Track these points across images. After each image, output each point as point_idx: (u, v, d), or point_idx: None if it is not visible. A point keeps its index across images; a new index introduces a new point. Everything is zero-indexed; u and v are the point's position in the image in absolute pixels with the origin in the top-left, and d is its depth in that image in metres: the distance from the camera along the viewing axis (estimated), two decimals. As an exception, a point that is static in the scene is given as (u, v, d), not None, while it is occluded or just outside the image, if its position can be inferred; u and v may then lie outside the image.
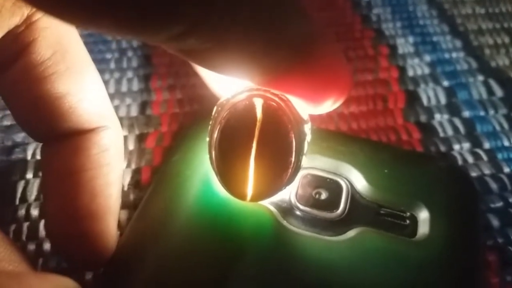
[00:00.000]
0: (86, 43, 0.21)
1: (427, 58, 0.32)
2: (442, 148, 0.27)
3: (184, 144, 0.24)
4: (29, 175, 0.26)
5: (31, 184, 0.25)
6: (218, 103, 0.20)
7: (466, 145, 0.27)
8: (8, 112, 0.28)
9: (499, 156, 0.27)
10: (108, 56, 0.32)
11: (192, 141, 0.24)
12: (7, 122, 0.28)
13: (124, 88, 0.30)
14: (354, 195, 0.22)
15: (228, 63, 0.16)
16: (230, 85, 0.20)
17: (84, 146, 0.20)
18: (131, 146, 0.27)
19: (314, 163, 0.23)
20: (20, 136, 0.27)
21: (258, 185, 0.19)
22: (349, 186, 0.22)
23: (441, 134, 0.28)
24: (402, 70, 0.32)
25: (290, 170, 0.19)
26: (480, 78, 0.31)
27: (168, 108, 0.29)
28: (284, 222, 0.21)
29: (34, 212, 0.24)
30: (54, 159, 0.20)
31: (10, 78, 0.20)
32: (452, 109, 0.29)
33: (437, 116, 0.29)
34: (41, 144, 0.21)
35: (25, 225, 0.24)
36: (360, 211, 0.22)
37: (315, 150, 0.23)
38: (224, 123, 0.19)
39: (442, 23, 0.35)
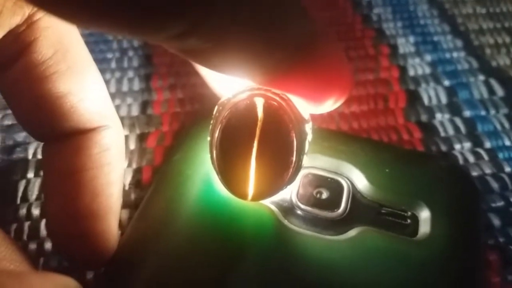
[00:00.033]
0: (87, 43, 0.21)
1: (428, 57, 0.32)
2: (443, 148, 0.27)
3: (185, 143, 0.24)
4: (30, 175, 0.26)
5: (32, 184, 0.25)
6: (219, 103, 0.20)
7: (467, 145, 0.27)
8: (9, 111, 0.28)
9: (500, 155, 0.27)
10: (109, 55, 0.32)
11: (193, 140, 0.24)
12: (8, 121, 0.28)
13: (125, 87, 0.30)
14: (355, 194, 0.22)
15: (229, 63, 0.16)
16: (231, 84, 0.20)
17: (85, 146, 0.20)
18: (132, 146, 0.27)
19: (315, 162, 0.23)
20: (21, 136, 0.27)
21: (259, 184, 0.19)
22: (350, 185, 0.22)
23: (442, 134, 0.28)
24: (403, 69, 0.32)
25: (291, 170, 0.19)
26: (481, 77, 0.31)
27: (169, 107, 0.29)
28: (285, 222, 0.21)
29: (35, 211, 0.24)
30: (55, 158, 0.20)
31: (11, 77, 0.20)
32: (453, 108, 0.29)
33: (438, 116, 0.29)
34: (42, 143, 0.21)
35: (26, 224, 0.24)
36: (361, 210, 0.22)
37: (316, 150, 0.23)
38: (225, 123, 0.19)
39: (443, 23, 0.35)
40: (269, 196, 0.20)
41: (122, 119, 0.22)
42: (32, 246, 0.23)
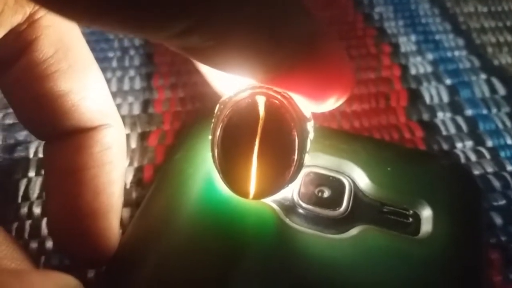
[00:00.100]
0: (88, 42, 0.21)
1: (430, 56, 0.32)
2: (445, 146, 0.27)
3: (187, 142, 0.24)
4: (31, 173, 0.26)
5: (33, 182, 0.25)
6: (221, 101, 0.20)
7: (469, 143, 0.27)
8: (10, 110, 0.28)
9: (502, 154, 0.27)
10: (110, 54, 0.32)
11: (195, 139, 0.24)
12: (9, 120, 0.28)
13: (126, 86, 0.30)
14: (356, 193, 0.22)
15: (231, 61, 0.16)
16: (232, 83, 0.20)
17: (86, 144, 0.20)
18: (133, 144, 0.27)
19: (316, 161, 0.23)
20: (22, 135, 0.27)
21: (260, 183, 0.19)
22: (351, 184, 0.22)
23: (444, 132, 0.28)
24: (405, 68, 0.32)
25: (292, 168, 0.19)
26: (483, 76, 0.31)
27: (170, 106, 0.29)
28: (287, 220, 0.21)
29: (37, 210, 0.24)
30: (57, 157, 0.20)
31: (12, 76, 0.20)
32: (455, 107, 0.29)
33: (440, 114, 0.29)
34: (43, 142, 0.21)
35: (28, 223, 0.24)
36: (363, 209, 0.22)
37: (317, 148, 0.23)
38: (227, 121, 0.19)
39: (445, 22, 0.35)
40: (270, 194, 0.20)
41: (123, 118, 0.22)
42: (33, 244, 0.23)
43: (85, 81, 0.20)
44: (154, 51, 0.33)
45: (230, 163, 0.19)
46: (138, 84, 0.30)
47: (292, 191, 0.22)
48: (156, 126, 0.28)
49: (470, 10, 0.36)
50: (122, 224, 0.23)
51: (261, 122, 0.19)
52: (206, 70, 0.22)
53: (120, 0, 0.12)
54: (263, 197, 0.20)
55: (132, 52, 0.33)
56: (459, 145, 0.27)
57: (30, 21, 0.19)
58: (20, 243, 0.21)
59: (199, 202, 0.21)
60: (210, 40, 0.14)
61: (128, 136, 0.27)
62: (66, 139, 0.20)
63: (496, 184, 0.25)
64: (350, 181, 0.23)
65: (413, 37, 0.34)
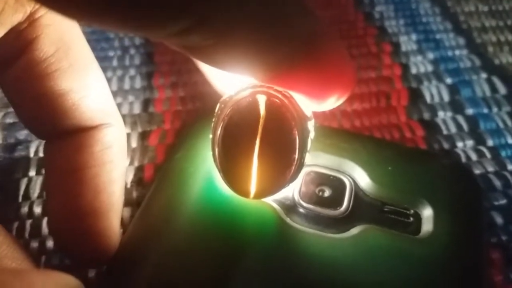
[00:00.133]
0: (88, 41, 0.21)
1: (430, 55, 0.32)
2: (446, 146, 0.27)
3: (187, 141, 0.24)
4: (32, 173, 0.26)
5: (34, 182, 0.25)
6: (221, 100, 0.20)
7: (470, 143, 0.27)
8: (10, 109, 0.28)
9: (503, 153, 0.27)
10: (111, 54, 0.32)
11: (195, 138, 0.24)
12: (10, 119, 0.28)
13: (126, 85, 0.30)
14: (357, 192, 0.22)
15: (231, 59, 0.16)
16: (233, 82, 0.20)
17: (87, 143, 0.20)
18: (134, 144, 0.27)
19: (317, 160, 0.23)
20: (22, 134, 0.27)
21: (261, 182, 0.19)
22: (352, 183, 0.22)
23: (445, 132, 0.28)
24: (405, 67, 0.32)
25: (293, 167, 0.19)
26: (484, 75, 0.31)
27: (171, 105, 0.29)
28: (287, 220, 0.21)
29: (37, 209, 0.24)
30: (57, 156, 0.20)
31: (13, 75, 0.19)
32: (456, 106, 0.29)
33: (441, 114, 0.29)
34: (44, 141, 0.21)
35: (28, 222, 0.24)
36: (363, 208, 0.22)
37: (318, 148, 0.23)
38: (227, 120, 0.19)
39: (445, 21, 0.35)
40: (271, 194, 0.20)
41: (123, 117, 0.22)
42: (34, 244, 0.23)
43: (86, 80, 0.20)
44: (155, 50, 0.33)
45: (230, 162, 0.19)
46: (138, 83, 0.30)
47: (292, 191, 0.22)
48: (156, 125, 0.28)
49: (471, 9, 0.36)
50: (123, 223, 0.23)
51: (261, 121, 0.19)
52: (206, 69, 0.22)
53: None
54: (263, 197, 0.20)
55: (132, 51, 0.33)
56: (459, 144, 0.27)
57: (31, 20, 0.19)
58: (21, 242, 0.21)
59: (200, 201, 0.21)
60: (211, 39, 0.14)
61: (128, 135, 0.27)
62: (67, 138, 0.20)
63: (497, 183, 0.25)
64: (350, 180, 0.23)
65: (413, 36, 0.34)
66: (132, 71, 0.31)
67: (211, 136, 0.20)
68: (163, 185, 0.22)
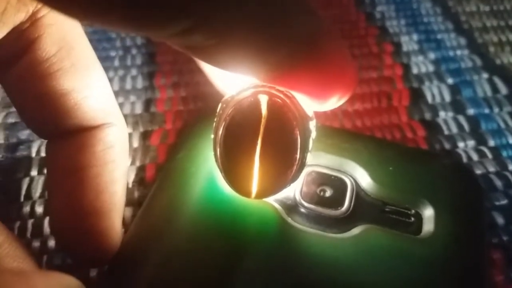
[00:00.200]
0: (90, 41, 0.21)
1: (432, 55, 0.32)
2: (447, 146, 0.27)
3: (189, 141, 0.24)
4: (34, 172, 0.26)
5: (36, 181, 0.25)
6: (223, 100, 0.20)
7: (471, 143, 0.27)
8: (12, 109, 0.28)
9: (504, 153, 0.27)
10: (112, 53, 0.32)
11: (197, 138, 0.24)
12: (12, 119, 0.28)
13: (128, 85, 0.30)
14: (358, 192, 0.22)
15: (233, 59, 0.16)
16: (234, 82, 0.20)
17: (89, 143, 0.20)
18: (135, 144, 0.27)
19: (318, 160, 0.23)
20: (24, 134, 0.27)
21: (262, 182, 0.19)
22: (353, 183, 0.22)
23: (446, 132, 0.28)
24: (407, 67, 0.32)
25: (295, 167, 0.19)
26: (485, 75, 0.31)
27: (172, 105, 0.29)
28: (289, 219, 0.21)
29: (39, 209, 0.24)
30: (59, 156, 0.20)
31: (15, 74, 0.20)
32: (457, 106, 0.29)
33: (442, 114, 0.29)
34: (46, 141, 0.21)
35: (30, 222, 0.24)
36: (364, 208, 0.22)
37: (319, 148, 0.23)
38: (229, 120, 0.19)
39: (447, 21, 0.35)
40: (272, 194, 0.20)
41: (125, 117, 0.22)
42: (36, 244, 0.23)
43: (88, 80, 0.20)
44: (156, 50, 0.33)
45: (232, 162, 0.19)
46: (140, 83, 0.30)
47: (294, 190, 0.22)
48: (158, 125, 0.28)
49: (472, 9, 0.36)
50: (124, 223, 0.23)
51: (263, 121, 0.19)
52: (208, 69, 0.22)
53: None
54: (265, 196, 0.20)
55: (134, 51, 0.33)
56: (461, 144, 0.27)
57: (33, 20, 0.19)
58: (23, 241, 0.21)
59: (201, 201, 0.21)
60: (212, 38, 0.14)
61: (130, 135, 0.27)
62: (69, 137, 0.20)
63: (498, 183, 0.25)
64: (352, 180, 0.23)
65: (415, 36, 0.34)
66: (133, 71, 0.31)
67: (212, 136, 0.20)
68: (165, 185, 0.22)
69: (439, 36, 0.34)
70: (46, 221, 0.24)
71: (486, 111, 0.29)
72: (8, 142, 0.27)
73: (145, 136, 0.28)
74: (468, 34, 0.34)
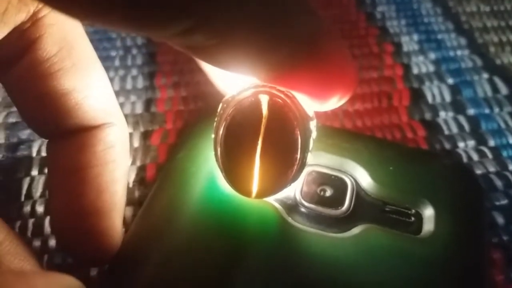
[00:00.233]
0: (90, 41, 0.21)
1: (432, 55, 0.32)
2: (447, 146, 0.27)
3: (189, 141, 0.24)
4: (35, 172, 0.26)
5: (36, 181, 0.25)
6: (224, 100, 0.20)
7: (471, 143, 0.27)
8: (13, 109, 0.28)
9: (504, 153, 0.27)
10: (113, 53, 0.32)
11: (197, 138, 0.24)
12: (12, 119, 0.28)
13: (128, 85, 0.30)
14: (359, 192, 0.22)
15: (234, 59, 0.16)
16: (235, 81, 0.20)
17: (89, 143, 0.20)
18: (136, 143, 0.27)
19: (319, 160, 0.23)
20: (25, 133, 0.27)
21: (263, 182, 0.19)
22: (354, 183, 0.22)
23: (446, 132, 0.28)
24: (407, 67, 0.32)
25: (295, 167, 0.19)
26: (485, 75, 0.31)
27: (173, 105, 0.29)
28: (289, 219, 0.21)
29: (40, 208, 0.24)
30: (60, 155, 0.20)
31: (16, 74, 0.20)
32: (457, 106, 0.29)
33: (442, 114, 0.29)
34: (46, 141, 0.21)
35: (31, 221, 0.24)
36: (365, 208, 0.22)
37: (320, 147, 0.23)
38: (230, 120, 0.19)
39: (447, 21, 0.35)
40: (273, 193, 0.20)
41: (126, 116, 0.22)
42: (36, 243, 0.23)
43: (89, 80, 0.20)
44: (157, 50, 0.33)
45: (232, 162, 0.20)
46: (140, 83, 0.30)
47: (294, 190, 0.22)
48: (158, 125, 0.28)
49: (473, 10, 0.36)
50: (125, 223, 0.23)
51: (264, 121, 0.19)
52: (209, 69, 0.22)
53: None
54: (265, 196, 0.20)
55: (134, 51, 0.33)
56: (461, 144, 0.27)
57: (34, 20, 0.19)
58: (23, 239, 0.21)
59: (202, 201, 0.21)
60: (213, 39, 0.14)
61: (130, 135, 0.27)
62: (69, 137, 0.20)
63: (498, 183, 0.25)
64: (352, 180, 0.23)
65: (415, 37, 0.34)
66: (134, 71, 0.31)
67: (213, 135, 0.20)
68: (165, 185, 0.22)
69: (439, 36, 0.34)
70: (47, 220, 0.24)
71: (487, 111, 0.29)
72: (9, 142, 0.27)
73: (145, 136, 0.28)
74: (468, 34, 0.34)
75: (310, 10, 0.16)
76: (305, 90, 0.18)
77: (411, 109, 0.29)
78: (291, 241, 0.20)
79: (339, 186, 0.22)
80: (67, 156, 0.20)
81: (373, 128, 0.28)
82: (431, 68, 0.32)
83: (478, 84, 0.30)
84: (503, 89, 0.30)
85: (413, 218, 0.21)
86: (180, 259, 0.19)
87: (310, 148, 0.20)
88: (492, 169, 0.26)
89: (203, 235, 0.20)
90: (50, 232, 0.23)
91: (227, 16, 0.14)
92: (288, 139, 0.19)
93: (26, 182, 0.25)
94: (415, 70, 0.31)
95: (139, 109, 0.29)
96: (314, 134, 0.20)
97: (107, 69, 0.21)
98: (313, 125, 0.20)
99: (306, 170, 0.22)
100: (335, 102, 0.18)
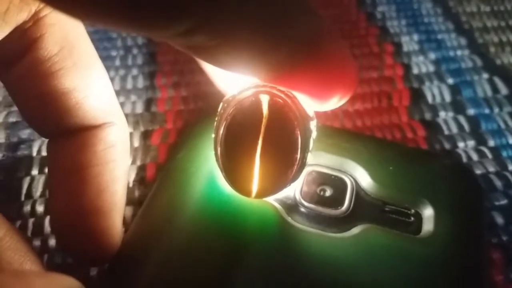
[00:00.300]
0: (91, 41, 0.21)
1: (432, 55, 0.32)
2: (447, 146, 0.27)
3: (189, 141, 0.24)
4: (35, 172, 0.26)
5: (37, 181, 0.25)
6: (224, 100, 0.20)
7: (471, 143, 0.27)
8: (13, 108, 0.28)
9: (504, 153, 0.27)
10: (113, 53, 0.32)
11: (197, 138, 0.24)
12: (13, 118, 0.28)
13: (129, 85, 0.30)
14: (358, 192, 0.22)
15: (235, 60, 0.16)
16: (236, 81, 0.20)
17: (90, 142, 0.20)
18: (136, 143, 0.27)
19: (319, 160, 0.23)
20: (25, 133, 0.27)
21: (263, 181, 0.20)
22: (353, 183, 0.22)
23: (446, 132, 0.28)
24: (407, 67, 0.32)
25: (295, 167, 0.19)
26: (485, 76, 0.31)
27: (173, 105, 0.29)
28: (289, 219, 0.21)
29: (40, 208, 0.24)
30: (60, 155, 0.20)
31: (17, 74, 0.20)
32: (457, 106, 0.29)
33: (442, 114, 0.29)
34: (47, 140, 0.21)
35: (31, 221, 0.24)
36: (364, 208, 0.22)
37: (320, 147, 0.23)
38: (230, 120, 0.19)
39: (447, 21, 0.35)
40: (273, 193, 0.20)
41: (126, 116, 0.22)
42: (36, 242, 0.23)
43: (89, 79, 0.20)
44: (157, 50, 0.33)
45: (233, 162, 0.20)
46: (141, 83, 0.30)
47: (294, 190, 0.22)
48: (159, 124, 0.28)
49: (473, 10, 0.36)
50: (125, 222, 0.23)
51: (264, 121, 0.19)
52: (209, 69, 0.22)
53: None
54: (265, 196, 0.20)
55: (135, 51, 0.33)
56: (461, 144, 0.27)
57: (35, 19, 0.19)
58: (24, 235, 0.21)
59: (202, 200, 0.21)
60: (214, 39, 0.14)
61: (131, 134, 0.27)
62: (70, 137, 0.20)
63: (498, 183, 0.25)
64: (352, 180, 0.23)
65: (415, 37, 0.34)
66: (134, 71, 0.31)
67: (213, 135, 0.20)
68: (165, 184, 0.22)
69: (439, 36, 0.34)
70: (47, 220, 0.24)
71: (486, 111, 0.29)
72: (9, 141, 0.27)
73: (145, 135, 0.28)
74: (468, 34, 0.34)
75: (310, 10, 0.16)
76: (305, 90, 0.18)
77: (411, 109, 0.29)
78: (291, 241, 0.20)
79: (339, 186, 0.22)
80: (68, 156, 0.20)
81: (373, 128, 0.28)
82: (431, 68, 0.32)
83: (478, 84, 0.31)
84: (503, 89, 0.30)
85: (412, 218, 0.22)
86: (180, 259, 0.19)
87: (310, 148, 0.20)
88: (491, 169, 0.26)
89: (203, 234, 0.20)
90: (50, 232, 0.23)
91: (227, 17, 0.14)
92: (288, 139, 0.19)
93: (26, 181, 0.25)
94: (415, 70, 0.31)
95: (139, 108, 0.29)
96: (314, 134, 0.20)
97: (107, 68, 0.21)
98: (313, 125, 0.20)
99: (306, 170, 0.22)
100: (335, 102, 0.18)
